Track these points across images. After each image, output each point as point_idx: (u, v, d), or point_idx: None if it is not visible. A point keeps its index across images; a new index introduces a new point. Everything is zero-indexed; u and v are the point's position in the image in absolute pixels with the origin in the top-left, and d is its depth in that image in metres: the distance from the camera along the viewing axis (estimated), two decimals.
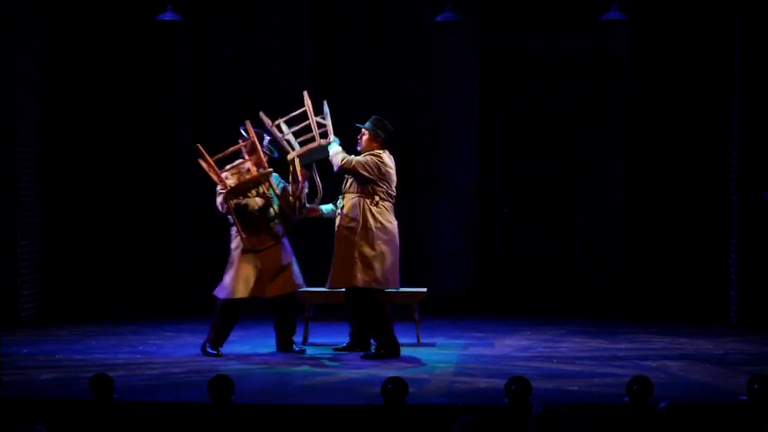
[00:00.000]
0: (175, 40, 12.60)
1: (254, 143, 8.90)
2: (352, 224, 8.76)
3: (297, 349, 9.17)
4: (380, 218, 8.82)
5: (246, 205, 8.97)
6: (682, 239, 12.29)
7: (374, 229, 8.77)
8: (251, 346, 9.41)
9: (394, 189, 8.95)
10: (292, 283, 9.11)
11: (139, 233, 12.62)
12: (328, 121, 8.96)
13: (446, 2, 11.58)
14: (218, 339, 9.04)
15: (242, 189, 8.94)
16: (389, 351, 8.84)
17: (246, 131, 8.96)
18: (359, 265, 8.72)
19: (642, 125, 12.51)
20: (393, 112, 12.58)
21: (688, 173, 12.34)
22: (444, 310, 12.00)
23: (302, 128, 9.01)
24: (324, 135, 8.96)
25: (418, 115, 12.73)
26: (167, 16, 11.30)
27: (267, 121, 8.99)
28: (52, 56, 11.93)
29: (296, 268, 9.16)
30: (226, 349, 9.11)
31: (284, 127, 9.03)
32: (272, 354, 9.13)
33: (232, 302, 9.01)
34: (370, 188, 8.80)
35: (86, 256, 12.40)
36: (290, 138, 9.02)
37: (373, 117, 9.01)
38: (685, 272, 12.22)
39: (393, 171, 8.95)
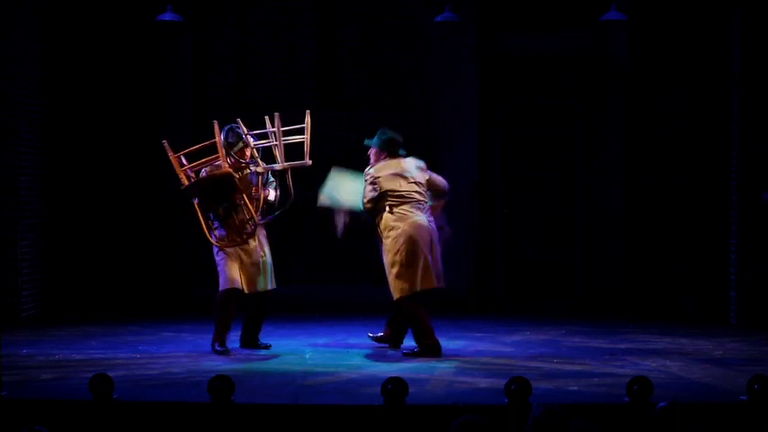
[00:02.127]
0: (175, 40, 12.60)
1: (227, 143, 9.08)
2: (383, 237, 8.99)
3: (262, 344, 9.33)
4: (398, 224, 8.91)
5: (211, 204, 9.06)
6: (682, 239, 12.29)
7: (393, 237, 8.90)
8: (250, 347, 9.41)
9: (404, 191, 8.98)
10: (267, 282, 9.24)
11: (139, 233, 12.62)
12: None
13: (446, 2, 11.58)
14: (221, 336, 9.13)
15: (200, 186, 9.06)
16: (429, 351, 8.95)
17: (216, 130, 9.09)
18: (392, 276, 8.94)
19: (642, 125, 12.51)
20: (393, 113, 12.63)
21: (688, 173, 12.33)
22: (444, 310, 11.99)
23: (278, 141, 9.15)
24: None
25: (418, 115, 12.72)
26: (167, 16, 11.30)
27: (243, 128, 9.14)
28: (52, 56, 11.92)
29: (271, 267, 9.28)
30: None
31: (250, 138, 9.17)
32: (272, 353, 9.14)
33: (224, 297, 9.10)
34: (382, 203, 8.99)
35: (86, 256, 12.40)
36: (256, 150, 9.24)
37: (379, 131, 9.19)
38: (685, 272, 12.22)
39: (397, 174, 8.99)
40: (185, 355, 9.06)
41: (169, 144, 9.14)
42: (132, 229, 12.59)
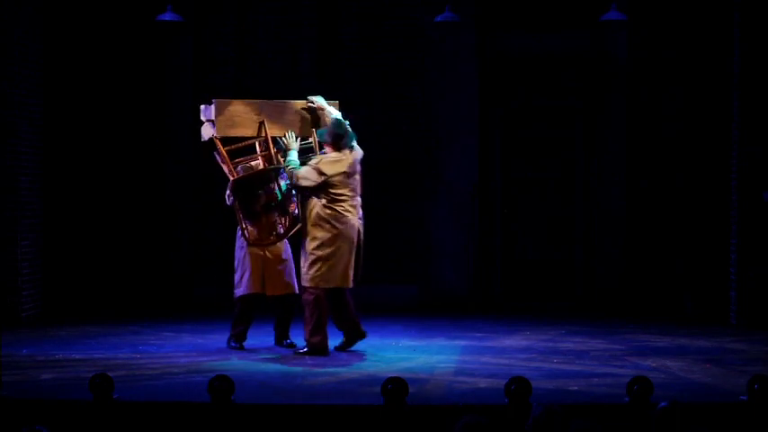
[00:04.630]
0: (175, 40, 12.59)
1: (267, 140, 9.13)
2: (308, 224, 9.00)
3: (287, 343, 9.40)
4: (332, 222, 8.94)
5: (251, 199, 9.08)
6: (682, 239, 12.29)
7: (325, 230, 8.92)
8: (251, 346, 9.41)
9: (344, 190, 9.00)
10: (292, 285, 9.32)
11: (139, 233, 12.61)
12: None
13: (446, 2, 11.58)
14: (239, 334, 9.32)
15: (249, 182, 9.14)
16: (318, 350, 8.94)
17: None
18: (308, 262, 8.95)
19: (642, 125, 12.51)
20: (393, 113, 12.64)
21: (688, 173, 12.33)
22: (444, 310, 12.00)
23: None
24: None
25: (418, 115, 12.72)
26: (167, 16, 11.29)
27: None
28: (52, 56, 11.92)
29: (294, 270, 9.35)
30: (226, 348, 9.24)
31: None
32: (272, 353, 9.14)
33: (246, 298, 9.24)
34: (318, 192, 8.98)
35: (86, 256, 12.39)
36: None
37: (333, 122, 9.14)
38: (685, 272, 12.21)
39: (342, 172, 8.99)
40: (185, 355, 9.06)
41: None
42: (132, 229, 12.58)
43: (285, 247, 9.36)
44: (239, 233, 9.27)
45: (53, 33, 11.93)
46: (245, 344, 9.33)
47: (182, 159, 12.58)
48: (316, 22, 12.81)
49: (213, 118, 9.19)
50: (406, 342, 9.65)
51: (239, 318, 9.33)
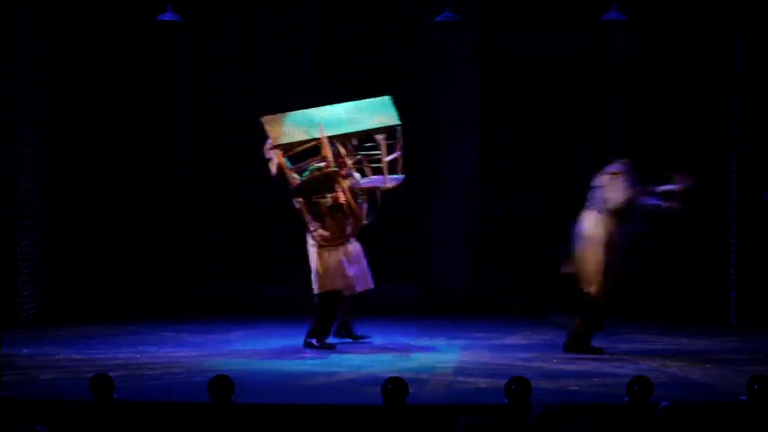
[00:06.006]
0: (175, 40, 12.59)
1: (324, 143, 9.22)
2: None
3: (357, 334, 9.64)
4: None
5: (318, 203, 9.22)
6: (682, 240, 12.27)
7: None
8: (252, 346, 9.42)
9: None
10: (370, 282, 9.50)
11: (139, 233, 12.61)
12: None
13: (446, 2, 11.58)
14: (321, 332, 9.33)
15: (309, 186, 9.25)
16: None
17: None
18: None
19: (642, 125, 12.50)
20: None
21: (688, 173, 12.30)
22: (444, 310, 11.99)
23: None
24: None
25: (418, 115, 12.71)
26: (167, 16, 11.28)
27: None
28: (52, 56, 11.92)
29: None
30: (226, 348, 9.19)
31: None
32: (272, 353, 9.15)
33: (327, 295, 9.26)
34: None
35: (86, 257, 12.39)
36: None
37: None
38: (685, 272, 12.21)
39: None
40: (185, 355, 9.06)
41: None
42: (132, 229, 12.58)
43: (359, 248, 9.46)
44: (308, 234, 9.33)
45: (53, 33, 11.93)
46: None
47: (182, 159, 12.57)
48: (316, 22, 12.81)
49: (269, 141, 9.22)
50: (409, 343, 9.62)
51: (325, 318, 9.34)
